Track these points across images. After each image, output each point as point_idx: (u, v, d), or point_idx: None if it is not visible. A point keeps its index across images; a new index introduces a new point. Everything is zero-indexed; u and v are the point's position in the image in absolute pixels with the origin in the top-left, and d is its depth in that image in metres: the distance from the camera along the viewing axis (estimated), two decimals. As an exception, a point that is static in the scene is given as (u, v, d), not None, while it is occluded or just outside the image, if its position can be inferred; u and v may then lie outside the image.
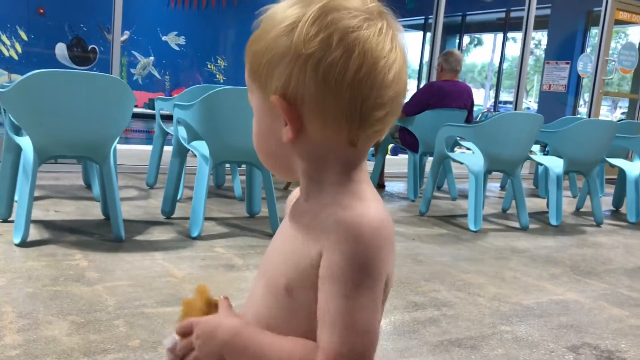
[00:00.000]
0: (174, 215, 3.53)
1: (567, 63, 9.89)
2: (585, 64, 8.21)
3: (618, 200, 5.47)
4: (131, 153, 5.97)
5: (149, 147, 4.72)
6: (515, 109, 6.95)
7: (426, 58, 7.52)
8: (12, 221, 2.98)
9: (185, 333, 0.75)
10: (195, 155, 3.41)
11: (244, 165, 3.73)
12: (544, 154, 5.80)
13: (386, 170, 5.64)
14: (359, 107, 0.65)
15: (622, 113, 11.67)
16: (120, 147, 3.78)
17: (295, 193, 0.78)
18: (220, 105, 3.06)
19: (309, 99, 0.65)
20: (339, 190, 0.68)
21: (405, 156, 8.86)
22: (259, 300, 0.73)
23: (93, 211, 3.52)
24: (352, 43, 0.64)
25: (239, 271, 2.65)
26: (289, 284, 0.68)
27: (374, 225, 0.64)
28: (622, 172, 5.16)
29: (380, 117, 0.67)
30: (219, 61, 14.84)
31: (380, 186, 5.59)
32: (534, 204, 5.22)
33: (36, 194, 2.87)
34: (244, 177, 4.18)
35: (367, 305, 0.63)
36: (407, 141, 5.09)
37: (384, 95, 0.66)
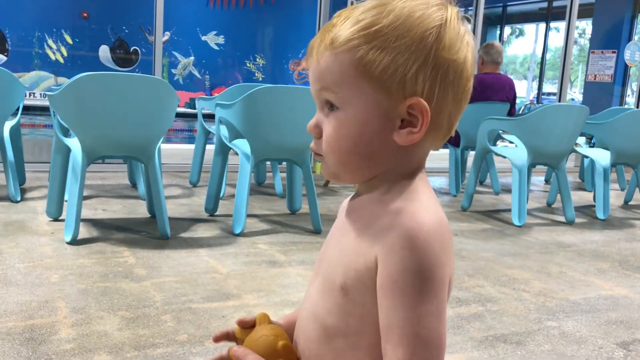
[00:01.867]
0: (217, 213, 3.59)
1: (613, 52, 9.62)
2: (632, 52, 7.97)
3: (669, 193, 5.30)
4: (174, 152, 6.09)
5: (191, 146, 4.81)
6: (559, 101, 6.80)
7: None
8: (62, 220, 3.09)
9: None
10: (236, 154, 3.46)
11: (284, 163, 3.76)
12: (590, 146, 5.65)
13: (426, 165, 5.59)
14: (459, 116, 0.69)
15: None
16: (163, 146, 3.87)
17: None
18: (261, 103, 3.09)
19: (442, 106, 0.67)
20: (402, 190, 0.68)
21: (445, 151, 8.79)
22: (315, 298, 0.73)
23: (139, 209, 3.61)
24: (469, 54, 0.68)
25: (281, 267, 2.68)
26: (345, 283, 0.67)
27: (432, 229, 0.63)
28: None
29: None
30: (257, 59, 14.96)
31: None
32: (580, 197, 5.10)
33: (84, 193, 2.96)
34: (284, 175, 4.23)
35: (433, 313, 0.61)
36: (448, 136, 5.03)
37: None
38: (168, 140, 8.47)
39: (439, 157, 7.60)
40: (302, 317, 0.76)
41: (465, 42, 0.67)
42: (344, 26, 0.66)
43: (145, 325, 1.97)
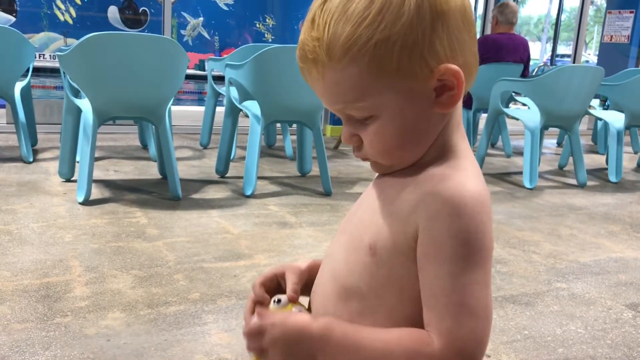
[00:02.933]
0: (228, 175, 3.60)
1: (631, 12, 9.38)
2: (650, 13, 7.77)
3: (682, 156, 5.24)
4: (184, 114, 6.08)
5: (201, 108, 4.80)
6: (574, 62, 6.69)
7: (480, 10, 7.30)
8: (74, 181, 3.11)
9: (255, 333, 0.67)
10: (247, 116, 3.44)
11: (294, 125, 3.74)
12: (604, 109, 5.58)
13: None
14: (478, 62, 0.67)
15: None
16: (173, 108, 3.86)
17: None
18: (272, 64, 3.06)
19: (465, 53, 0.64)
20: (446, 156, 0.65)
21: (457, 113, 8.69)
22: (338, 257, 0.71)
23: (150, 171, 3.63)
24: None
25: (292, 228, 2.70)
26: (375, 243, 0.65)
27: (479, 197, 0.61)
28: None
29: None
30: (267, 20, 14.76)
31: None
32: (592, 160, 5.06)
33: (96, 154, 2.97)
34: (294, 137, 4.22)
35: (480, 281, 0.59)
36: (459, 97, 4.98)
37: None
38: (178, 102, 8.46)
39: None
40: (321, 275, 0.74)
41: None
42: (333, 31, 0.60)
43: (158, 283, 2.00)
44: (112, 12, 13.27)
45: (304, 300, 0.77)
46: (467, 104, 4.93)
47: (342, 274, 0.68)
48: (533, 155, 3.83)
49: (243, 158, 4.05)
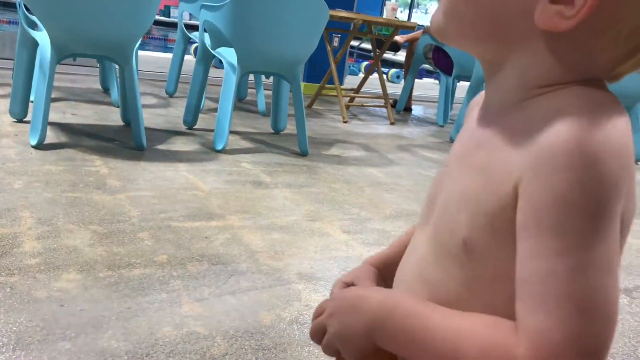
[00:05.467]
0: (196, 126, 3.36)
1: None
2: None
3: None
4: (149, 59, 5.72)
5: (167, 55, 4.49)
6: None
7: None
8: (27, 122, 2.82)
9: (317, 315, 0.55)
10: (215, 67, 3.19)
11: (270, 79, 3.50)
12: None
13: (415, 92, 5.40)
14: None
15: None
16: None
17: (479, 100, 0.55)
18: (253, 7, 2.80)
19: (621, 3, 0.43)
20: (563, 94, 0.45)
21: (430, 80, 8.57)
22: (424, 253, 0.53)
23: (112, 116, 3.35)
24: None
25: (267, 189, 2.50)
26: (470, 238, 0.47)
27: (612, 143, 0.41)
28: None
29: None
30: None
31: (407, 110, 5.37)
32: None
33: (52, 95, 2.68)
34: (268, 92, 3.98)
35: (598, 264, 0.41)
36: (441, 62, 4.82)
37: None
38: (141, 47, 8.03)
39: (427, 87, 7.42)
40: (405, 272, 0.56)
41: None
42: None
43: (120, 242, 1.78)
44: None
45: None
46: (448, 70, 4.76)
47: (435, 279, 0.51)
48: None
49: (212, 110, 3.80)
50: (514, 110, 0.47)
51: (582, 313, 0.40)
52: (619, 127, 0.42)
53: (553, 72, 0.46)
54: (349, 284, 0.62)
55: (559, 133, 0.41)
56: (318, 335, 0.53)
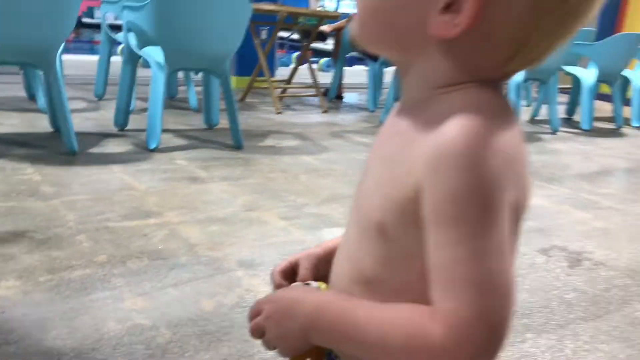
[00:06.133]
0: (128, 127, 3.36)
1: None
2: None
3: (571, 109, 5.56)
4: (74, 64, 5.61)
5: (92, 57, 4.44)
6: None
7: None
8: (-49, 135, 2.76)
9: (254, 315, 0.60)
10: (143, 66, 3.19)
11: (199, 75, 3.53)
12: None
13: (345, 80, 5.51)
14: (553, 40, 0.51)
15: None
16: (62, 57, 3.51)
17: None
18: (176, 5, 2.83)
19: (510, 6, 0.49)
20: (456, 98, 0.52)
21: (360, 67, 8.71)
22: (353, 236, 0.59)
23: (40, 123, 3.30)
24: None
25: (203, 183, 2.55)
26: (383, 221, 0.53)
27: (489, 141, 0.47)
28: (576, 81, 5.21)
29: (554, 52, 0.53)
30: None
31: (338, 97, 5.48)
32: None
33: (-24, 105, 2.64)
34: (199, 88, 4.00)
35: (491, 250, 0.47)
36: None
37: (575, 31, 0.52)
38: (66, 51, 7.81)
39: (357, 74, 7.55)
40: (338, 254, 0.63)
41: None
42: None
43: (59, 246, 1.80)
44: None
45: None
46: (374, 57, 4.90)
47: (357, 256, 0.58)
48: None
49: (143, 110, 3.79)
50: (420, 108, 0.54)
51: (484, 292, 0.46)
52: (503, 127, 0.49)
53: (449, 74, 0.52)
54: (287, 265, 0.69)
55: (451, 134, 0.47)
56: (257, 334, 0.59)
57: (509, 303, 0.47)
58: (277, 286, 0.68)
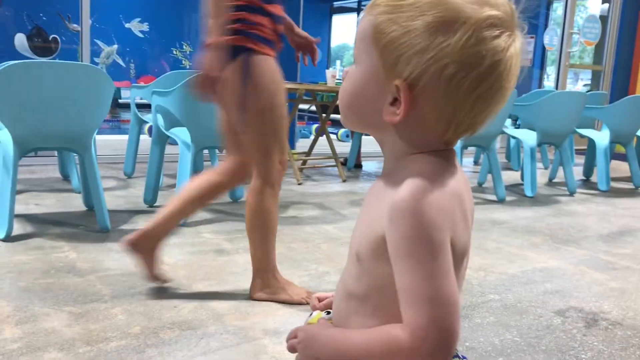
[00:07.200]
0: (157, 204, 3.52)
1: (532, 37, 10.03)
2: (551, 37, 8.35)
3: (588, 170, 5.63)
4: (104, 143, 5.88)
5: (121, 137, 4.68)
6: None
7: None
8: (-7, 216, 2.94)
9: (291, 337, 0.80)
10: (170, 143, 3.39)
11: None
12: (515, 127, 5.90)
13: (362, 150, 5.68)
14: (472, 118, 0.69)
15: (585, 85, 11.90)
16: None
17: None
18: (201, 90, 3.04)
19: (432, 99, 0.67)
20: (408, 165, 0.70)
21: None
22: (347, 264, 0.79)
23: (74, 203, 3.48)
24: (493, 65, 0.66)
25: (229, 255, 2.67)
26: (359, 251, 0.73)
27: (423, 196, 0.66)
28: (591, 142, 5.31)
29: (483, 126, 0.71)
30: (184, 47, 14.60)
31: (357, 166, 5.63)
32: (508, 176, 5.33)
33: (16, 187, 2.82)
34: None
35: (433, 274, 0.64)
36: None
37: (497, 109, 0.70)
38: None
39: (375, 143, 7.71)
40: (339, 282, 0.82)
41: (498, 49, 0.65)
42: None
43: (95, 319, 1.92)
44: (20, 39, 12.69)
45: None
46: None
47: (346, 278, 0.77)
48: (456, 174, 3.98)
49: (171, 186, 3.97)
50: (391, 172, 0.74)
51: (434, 305, 0.64)
52: (438, 187, 0.67)
53: (405, 148, 0.72)
54: (325, 297, 0.92)
55: (401, 194, 0.67)
56: (291, 351, 0.79)
57: (454, 311, 0.65)
58: (313, 307, 0.92)
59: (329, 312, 0.87)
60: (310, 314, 0.88)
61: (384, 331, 0.68)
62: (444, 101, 0.67)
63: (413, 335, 0.64)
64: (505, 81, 0.68)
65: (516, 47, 0.68)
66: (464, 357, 0.82)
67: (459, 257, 0.70)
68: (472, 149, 6.17)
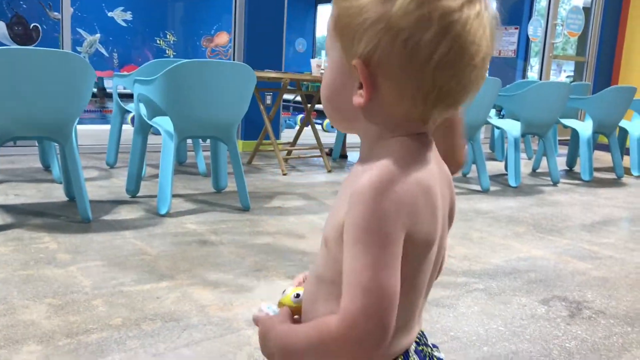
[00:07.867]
0: (140, 194, 3.48)
1: (515, 28, 10.05)
2: (535, 28, 8.37)
3: (571, 160, 5.66)
4: (87, 133, 5.80)
5: (103, 127, 4.62)
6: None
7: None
8: (-29, 207, 2.89)
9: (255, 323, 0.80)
10: (153, 133, 3.34)
11: (207, 141, 3.68)
12: (499, 118, 5.92)
13: (348, 140, 5.67)
14: (438, 89, 0.66)
15: (568, 76, 11.97)
16: (77, 126, 3.68)
17: None
18: (184, 78, 3.00)
19: (390, 72, 0.65)
20: (379, 152, 0.68)
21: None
22: (319, 252, 0.78)
23: (55, 193, 3.43)
24: (447, 26, 0.63)
25: (213, 246, 2.64)
26: (327, 237, 0.71)
27: (384, 185, 0.64)
28: (574, 133, 5.34)
29: (458, 98, 0.68)
30: (168, 36, 14.45)
31: (342, 157, 5.62)
32: (492, 166, 5.35)
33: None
34: (206, 153, 4.15)
35: (374, 263, 0.63)
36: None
37: (466, 77, 0.66)
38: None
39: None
40: (310, 264, 0.81)
41: (448, 10, 0.63)
42: None
43: (76, 311, 1.88)
44: (0, 27, 12.49)
45: None
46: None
47: (317, 263, 0.76)
48: (441, 164, 3.99)
49: (154, 176, 3.93)
50: (365, 158, 0.72)
51: (367, 294, 0.62)
52: (403, 176, 0.65)
53: (380, 131, 0.70)
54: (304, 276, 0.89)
55: (363, 180, 0.64)
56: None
57: (388, 304, 0.63)
58: (297, 281, 0.89)
59: (298, 296, 0.84)
60: (284, 291, 0.84)
61: (321, 320, 0.68)
62: (403, 73, 0.65)
63: (343, 321, 0.63)
64: (468, 43, 0.64)
65: (477, 9, 0.64)
66: (435, 346, 0.81)
67: (422, 248, 0.68)
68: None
